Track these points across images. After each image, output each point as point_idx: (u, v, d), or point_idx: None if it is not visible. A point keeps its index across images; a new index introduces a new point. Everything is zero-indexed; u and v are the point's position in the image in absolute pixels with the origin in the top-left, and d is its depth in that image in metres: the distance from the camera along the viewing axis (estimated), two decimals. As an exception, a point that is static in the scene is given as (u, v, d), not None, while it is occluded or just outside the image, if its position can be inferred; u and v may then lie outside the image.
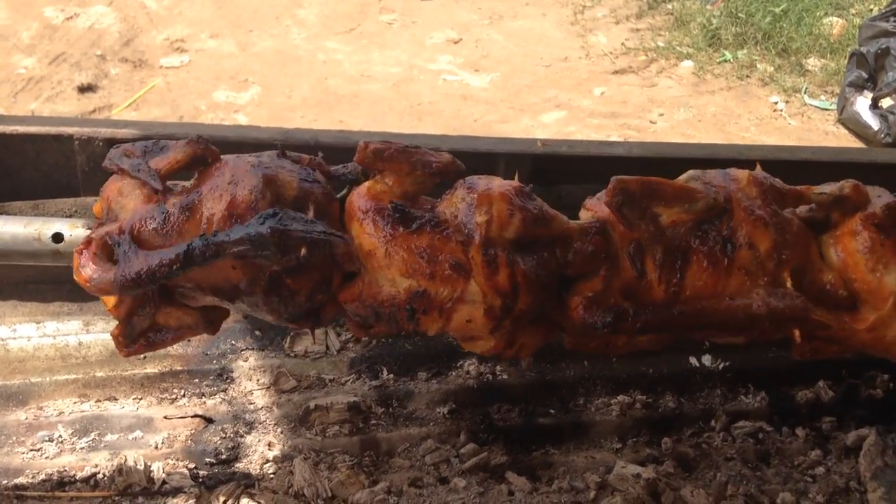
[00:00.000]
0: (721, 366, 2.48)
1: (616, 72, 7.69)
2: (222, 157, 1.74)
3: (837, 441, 2.35)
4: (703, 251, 1.75)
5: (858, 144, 6.84)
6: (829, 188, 1.84)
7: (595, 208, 1.82)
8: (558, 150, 2.47)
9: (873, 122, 6.63)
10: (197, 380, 2.25)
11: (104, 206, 1.70)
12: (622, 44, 7.96)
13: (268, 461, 2.06)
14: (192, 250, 1.51)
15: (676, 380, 2.45)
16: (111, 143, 2.11)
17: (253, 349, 2.31)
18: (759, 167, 1.89)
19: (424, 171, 1.71)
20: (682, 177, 1.86)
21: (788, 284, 1.76)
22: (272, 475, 2.03)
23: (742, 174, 1.82)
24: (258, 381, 2.26)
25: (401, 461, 2.16)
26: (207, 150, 1.71)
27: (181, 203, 1.64)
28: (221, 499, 1.94)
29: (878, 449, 2.25)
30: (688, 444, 2.33)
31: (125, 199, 1.67)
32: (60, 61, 7.03)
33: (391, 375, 2.34)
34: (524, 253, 1.69)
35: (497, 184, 1.74)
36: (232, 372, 2.28)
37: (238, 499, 1.95)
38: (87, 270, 1.60)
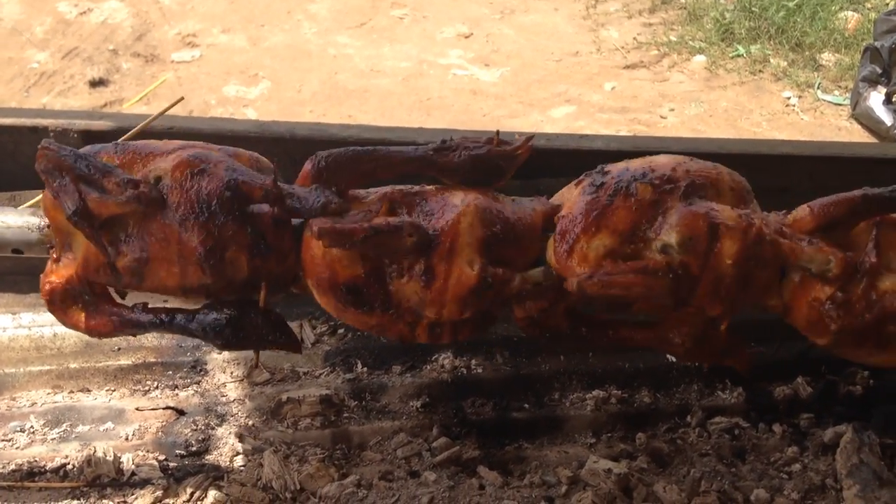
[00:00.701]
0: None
1: (627, 66, 7.64)
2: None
3: (815, 438, 2.33)
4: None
5: (871, 140, 6.77)
6: (817, 259, 1.83)
7: (559, 260, 1.83)
8: (536, 143, 2.44)
9: (887, 118, 6.55)
10: (170, 372, 2.27)
11: (52, 228, 1.73)
12: (634, 38, 7.90)
13: (238, 454, 2.08)
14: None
15: (653, 375, 2.44)
16: (86, 135, 2.14)
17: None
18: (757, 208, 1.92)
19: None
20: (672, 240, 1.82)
21: (723, 327, 1.91)
22: (242, 468, 2.05)
23: (729, 249, 1.79)
24: (232, 373, 2.28)
25: (372, 454, 2.17)
26: (151, 202, 1.70)
27: (131, 268, 1.70)
28: (189, 490, 1.96)
29: (854, 446, 2.23)
30: (662, 440, 2.32)
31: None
32: (73, 56, 7.09)
33: (365, 369, 2.35)
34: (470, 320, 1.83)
35: (456, 271, 1.76)
36: (206, 364, 2.30)
37: (206, 491, 1.97)
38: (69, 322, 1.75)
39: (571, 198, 1.87)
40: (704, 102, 7.12)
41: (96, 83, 6.77)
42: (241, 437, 2.11)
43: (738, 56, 7.60)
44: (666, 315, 1.89)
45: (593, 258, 1.77)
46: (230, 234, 1.69)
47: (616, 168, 1.87)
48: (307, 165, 1.80)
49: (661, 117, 6.98)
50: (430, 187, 1.88)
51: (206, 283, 1.70)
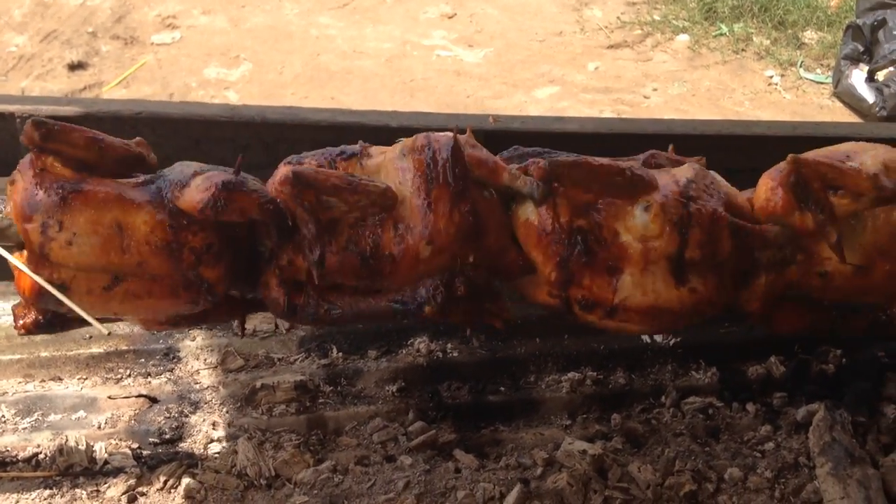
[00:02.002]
0: (672, 341, 2.48)
1: (611, 46, 7.62)
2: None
3: (788, 416, 2.35)
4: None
5: (853, 118, 6.77)
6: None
7: None
8: (510, 126, 2.46)
9: (869, 96, 6.55)
10: (143, 359, 2.27)
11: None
12: (618, 18, 7.88)
13: (212, 441, 2.09)
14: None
15: (627, 356, 2.45)
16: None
17: (201, 328, 2.32)
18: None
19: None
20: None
21: None
22: (216, 455, 2.05)
23: None
24: (205, 360, 2.28)
25: (348, 440, 2.18)
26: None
27: None
28: (162, 479, 1.96)
29: (826, 424, 2.25)
30: (637, 420, 2.33)
31: None
32: (52, 39, 7.02)
33: (340, 354, 2.35)
34: None
35: None
36: (179, 351, 2.29)
37: (179, 478, 1.97)
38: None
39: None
40: (687, 82, 7.12)
41: (75, 66, 6.71)
42: (214, 425, 2.11)
43: (721, 35, 7.59)
44: None
45: None
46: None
47: None
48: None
49: (645, 97, 6.97)
50: None
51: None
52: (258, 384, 2.20)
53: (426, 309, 1.76)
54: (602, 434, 2.28)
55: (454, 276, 1.77)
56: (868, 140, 2.55)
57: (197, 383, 2.23)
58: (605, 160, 1.82)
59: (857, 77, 6.68)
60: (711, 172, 1.92)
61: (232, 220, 1.64)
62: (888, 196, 1.81)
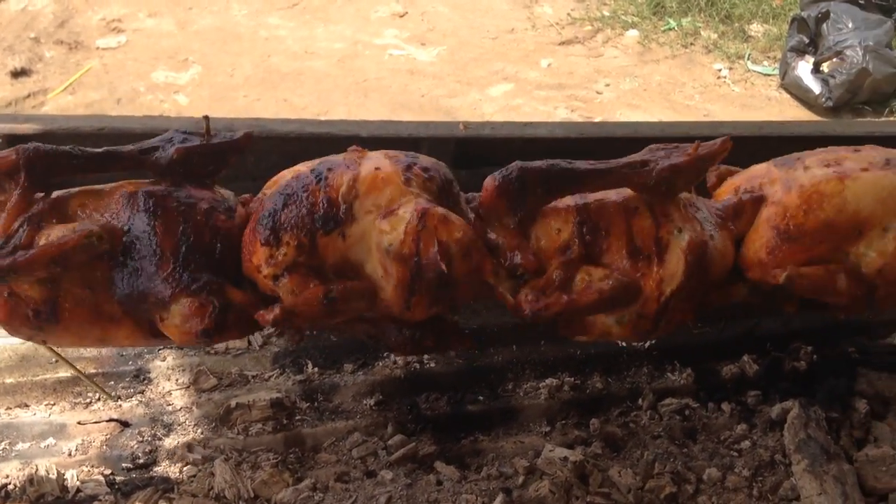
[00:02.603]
0: (647, 344, 2.49)
1: (562, 42, 7.65)
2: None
3: (762, 414, 2.38)
4: None
5: (801, 109, 6.89)
6: None
7: None
8: (481, 132, 2.44)
9: (815, 87, 6.67)
10: (112, 382, 2.20)
11: None
12: (568, 14, 7.91)
13: (188, 464, 2.03)
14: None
15: (604, 360, 2.45)
16: (11, 139, 2.04)
17: (171, 347, 2.26)
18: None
19: None
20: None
21: None
22: (192, 478, 2.00)
23: None
24: (177, 380, 2.22)
25: (327, 456, 2.14)
26: None
27: None
28: (138, 505, 1.90)
29: (801, 421, 2.27)
30: (615, 424, 2.33)
31: None
32: (-8, 45, 6.83)
33: (316, 369, 2.31)
34: None
35: None
36: (149, 372, 2.23)
37: None
38: None
39: None
40: (639, 77, 7.17)
41: (18, 73, 6.53)
42: (189, 447, 2.06)
43: (670, 29, 7.67)
44: None
45: None
46: None
47: None
48: None
49: (598, 93, 7.01)
50: None
51: None
52: (233, 403, 2.14)
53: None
54: (581, 440, 2.28)
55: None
56: (828, 138, 2.61)
57: (169, 405, 2.17)
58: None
59: (804, 69, 6.80)
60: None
61: None
62: None
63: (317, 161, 1.75)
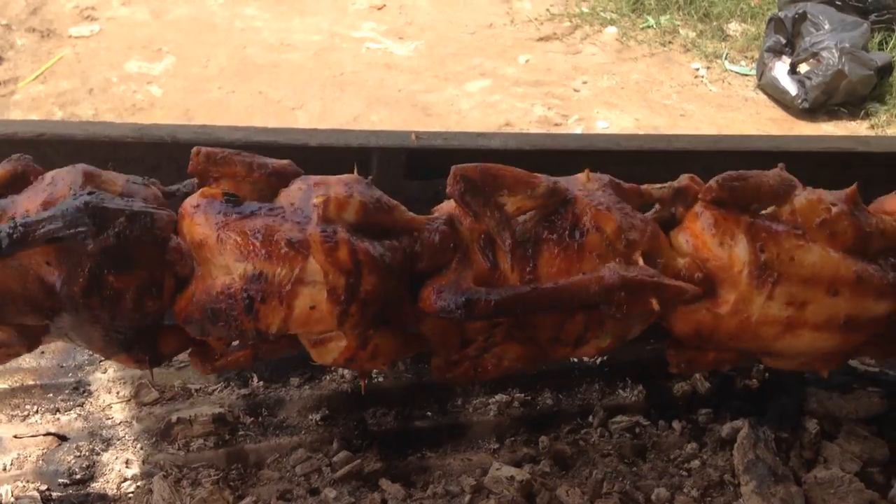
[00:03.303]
0: (599, 360, 2.47)
1: (541, 38, 7.63)
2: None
3: (713, 433, 2.37)
4: (553, 238, 1.70)
5: (777, 110, 6.90)
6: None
7: (441, 208, 1.78)
8: (433, 143, 2.40)
9: (791, 88, 6.68)
10: (51, 394, 2.16)
11: None
12: (547, 10, 7.89)
13: (126, 480, 2.00)
14: (-1, 235, 1.40)
15: (555, 376, 2.43)
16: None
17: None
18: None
19: (261, 173, 1.66)
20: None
21: (640, 262, 1.72)
22: (130, 494, 1.97)
23: (581, 175, 1.80)
24: (118, 393, 2.19)
25: (270, 473, 2.12)
26: (28, 167, 1.61)
27: None
28: (72, 523, 1.87)
29: (750, 441, 2.27)
30: (565, 442, 2.32)
31: None
32: (-38, 33, 6.74)
33: (261, 383, 2.28)
34: (366, 237, 1.63)
35: (334, 177, 1.69)
36: (89, 385, 2.19)
37: (91, 521, 1.89)
38: None
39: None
40: (616, 74, 7.16)
41: (-12, 61, 6.45)
42: (128, 462, 2.03)
43: (649, 27, 7.65)
44: (571, 250, 1.71)
45: None
46: None
47: None
48: None
49: (575, 90, 6.99)
50: None
51: None
52: (174, 418, 2.11)
53: None
54: (530, 457, 2.26)
55: None
56: (786, 153, 2.60)
57: (109, 418, 2.13)
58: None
59: (780, 69, 6.80)
60: None
61: None
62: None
63: (249, 266, 1.65)
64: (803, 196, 1.80)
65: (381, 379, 2.34)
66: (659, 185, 1.82)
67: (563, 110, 6.74)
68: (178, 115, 6.15)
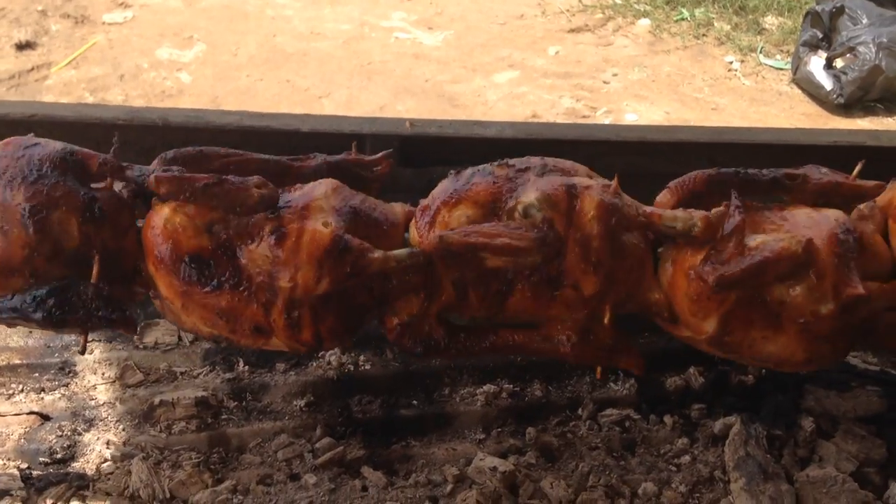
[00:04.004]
0: (591, 354, 2.43)
1: (572, 30, 7.55)
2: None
3: (705, 429, 2.32)
4: (528, 285, 1.75)
5: (812, 105, 6.75)
6: (681, 216, 1.77)
7: (422, 235, 1.76)
8: (427, 130, 2.39)
9: (826, 83, 6.53)
10: (37, 374, 2.18)
11: None
12: (579, 0, 7.80)
13: (106, 461, 2.01)
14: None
15: (545, 367, 2.40)
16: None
17: (100, 340, 2.25)
18: (616, 180, 1.82)
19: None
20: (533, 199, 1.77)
21: (606, 319, 1.78)
22: (109, 476, 1.98)
23: (589, 206, 1.75)
24: (103, 374, 2.20)
25: (251, 457, 2.12)
26: None
27: None
28: (49, 501, 1.89)
29: (741, 438, 2.22)
30: (552, 434, 2.29)
31: None
32: (0, 18, 6.85)
33: (247, 367, 2.29)
34: (332, 301, 1.68)
35: (309, 228, 1.66)
36: (75, 365, 2.21)
37: (68, 501, 1.90)
38: None
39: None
40: (648, 67, 7.06)
41: (23, 46, 6.55)
42: (109, 443, 2.04)
43: (683, 20, 7.53)
44: (543, 298, 1.79)
45: (456, 225, 1.73)
46: (59, 195, 1.57)
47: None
48: (153, 164, 1.72)
49: (604, 83, 6.91)
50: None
51: (31, 251, 1.55)
52: (156, 400, 2.12)
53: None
54: (516, 448, 2.24)
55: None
56: (791, 146, 2.53)
57: (93, 399, 2.15)
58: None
59: (816, 64, 6.66)
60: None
61: None
62: None
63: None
64: None
65: (368, 367, 2.33)
66: (670, 219, 1.78)
67: (592, 102, 6.66)
68: (205, 102, 6.20)
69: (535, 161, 1.81)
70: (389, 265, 1.68)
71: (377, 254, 1.66)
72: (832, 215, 1.83)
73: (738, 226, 1.74)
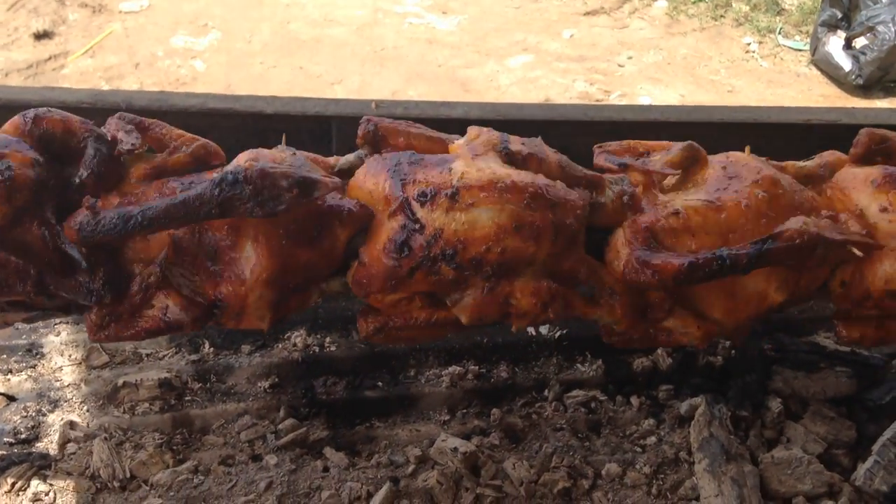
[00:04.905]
0: (557, 334, 2.43)
1: (588, 13, 7.49)
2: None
3: (671, 410, 2.31)
4: None
5: (830, 86, 6.64)
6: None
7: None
8: (393, 111, 2.38)
9: (845, 63, 6.41)
10: (4, 355, 2.23)
11: None
12: (596, -17, 7.73)
13: (69, 441, 2.05)
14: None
15: (512, 349, 2.40)
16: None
17: (67, 322, 2.28)
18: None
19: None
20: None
21: None
22: (71, 455, 2.01)
23: None
24: (70, 356, 2.24)
25: (214, 439, 2.14)
26: None
27: None
28: (10, 481, 1.93)
29: (706, 419, 2.20)
30: (517, 415, 2.29)
31: None
32: (19, 7, 6.95)
33: (212, 349, 2.31)
34: None
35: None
36: (42, 347, 2.25)
37: (28, 480, 1.94)
38: None
39: (379, 245, 1.64)
40: (663, 49, 6.98)
41: (41, 35, 6.64)
42: (73, 424, 2.08)
43: (701, 1, 7.43)
44: None
45: (388, 303, 1.68)
46: None
47: (424, 236, 1.61)
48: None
49: (619, 66, 6.85)
50: None
51: None
52: (120, 381, 2.16)
53: None
54: (480, 430, 2.24)
55: None
56: (764, 125, 2.49)
57: (58, 380, 2.19)
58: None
59: (835, 44, 6.54)
60: None
61: None
62: None
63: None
64: None
65: (333, 348, 2.35)
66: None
67: (606, 86, 6.61)
68: (219, 90, 6.24)
69: (492, 257, 1.65)
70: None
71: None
72: None
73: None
